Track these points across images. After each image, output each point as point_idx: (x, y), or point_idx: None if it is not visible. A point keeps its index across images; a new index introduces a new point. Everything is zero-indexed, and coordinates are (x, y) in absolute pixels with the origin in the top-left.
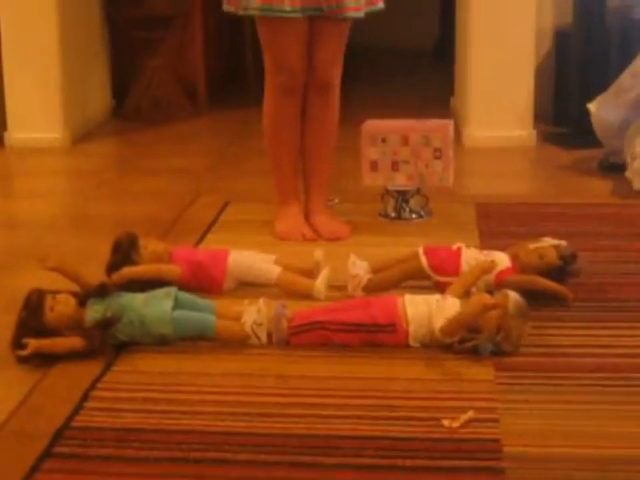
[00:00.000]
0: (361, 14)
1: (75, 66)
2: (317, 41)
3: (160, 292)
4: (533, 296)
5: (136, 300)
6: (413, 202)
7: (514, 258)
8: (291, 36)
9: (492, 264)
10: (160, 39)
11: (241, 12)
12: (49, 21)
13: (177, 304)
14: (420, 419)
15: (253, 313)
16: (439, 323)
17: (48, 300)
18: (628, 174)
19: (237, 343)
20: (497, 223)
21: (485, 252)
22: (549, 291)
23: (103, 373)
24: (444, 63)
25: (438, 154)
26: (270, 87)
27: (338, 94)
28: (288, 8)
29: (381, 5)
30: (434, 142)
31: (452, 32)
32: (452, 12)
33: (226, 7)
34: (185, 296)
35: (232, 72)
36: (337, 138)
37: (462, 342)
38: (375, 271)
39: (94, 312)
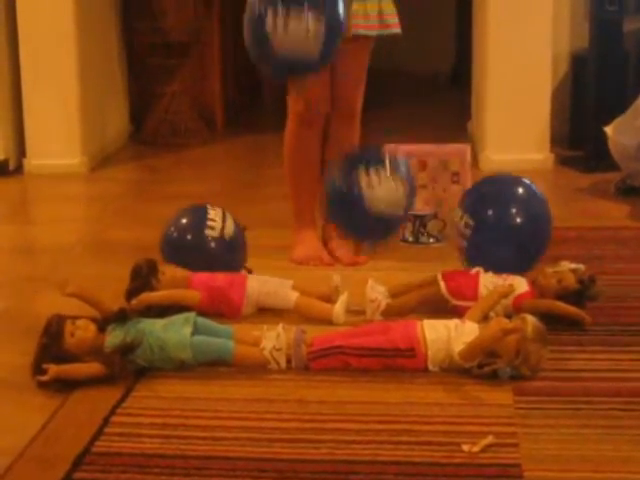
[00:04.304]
0: (372, 33)
1: (93, 92)
2: (337, 67)
3: (179, 317)
4: (552, 320)
5: (155, 325)
6: (431, 226)
7: (532, 282)
8: None
9: (510, 288)
10: (178, 65)
11: None
12: (68, 48)
13: (196, 329)
14: (440, 444)
15: (272, 338)
16: (458, 347)
17: (68, 326)
18: None
19: (256, 368)
20: None
21: (503, 276)
22: (567, 315)
23: (123, 399)
24: (461, 88)
25: (456, 178)
26: (291, 116)
27: (359, 121)
28: None
29: (397, 30)
30: (452, 166)
31: (469, 56)
32: (468, 36)
33: None
34: (204, 321)
35: (249, 98)
36: None
37: (481, 367)
38: (393, 296)
39: (114, 338)
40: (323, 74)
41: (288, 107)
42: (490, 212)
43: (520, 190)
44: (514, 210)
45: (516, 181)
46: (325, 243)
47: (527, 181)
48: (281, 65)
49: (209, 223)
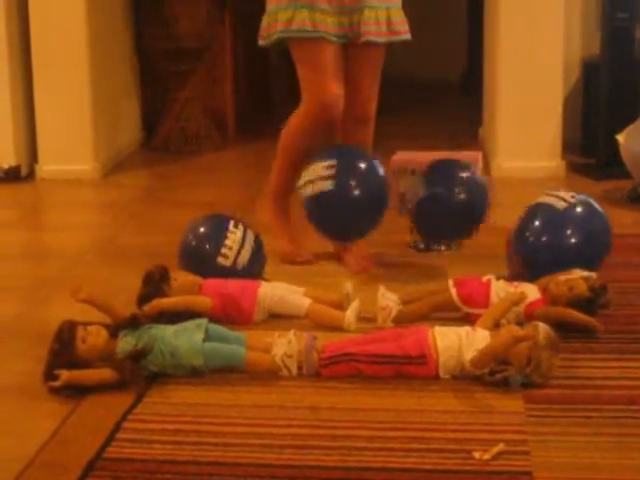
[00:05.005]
0: (380, 40)
1: (105, 98)
2: (350, 73)
3: (191, 324)
4: (563, 328)
5: (167, 332)
6: None
7: (544, 290)
8: (322, 59)
9: (522, 296)
10: (189, 72)
11: (280, 34)
12: (80, 54)
13: (208, 336)
14: (451, 451)
15: (283, 345)
16: (469, 355)
17: (80, 332)
18: None
19: (267, 375)
20: None
21: (515, 284)
22: (579, 323)
23: (134, 404)
24: (472, 95)
25: None
26: (303, 112)
27: (374, 125)
28: (310, 28)
29: (407, 36)
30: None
31: (480, 64)
32: (480, 44)
33: (260, 42)
34: (216, 328)
35: (261, 104)
36: None
37: (492, 374)
38: (405, 303)
39: (125, 344)
40: (331, 74)
41: (301, 102)
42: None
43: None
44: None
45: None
46: (338, 250)
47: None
48: None
49: (223, 251)
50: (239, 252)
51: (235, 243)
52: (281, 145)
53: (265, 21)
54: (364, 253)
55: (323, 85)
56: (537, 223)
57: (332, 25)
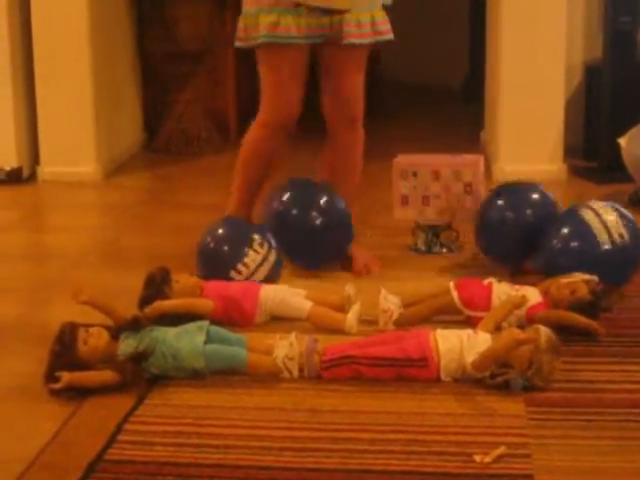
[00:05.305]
0: (364, 41)
1: (107, 100)
2: (334, 70)
3: (192, 326)
4: (564, 331)
5: (168, 334)
6: (444, 236)
7: (545, 293)
8: (294, 65)
9: (523, 299)
10: (191, 74)
11: (252, 43)
12: (82, 56)
13: (209, 338)
14: (452, 454)
15: (285, 347)
16: (471, 358)
17: (81, 333)
18: None
19: (269, 377)
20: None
21: (516, 287)
22: (580, 326)
23: (136, 406)
24: (474, 99)
25: (469, 189)
26: (261, 121)
27: (362, 125)
28: (295, 34)
29: (389, 36)
30: (465, 177)
31: (482, 68)
32: (482, 49)
33: (237, 43)
34: (217, 330)
35: None
36: (369, 172)
37: (493, 377)
38: (406, 305)
39: (127, 346)
40: (302, 79)
41: (258, 112)
42: None
43: None
44: None
45: None
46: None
47: None
48: None
49: (239, 267)
50: (255, 272)
51: (254, 263)
52: (241, 160)
53: (242, 22)
54: (366, 254)
55: (291, 90)
56: (572, 245)
57: (309, 26)
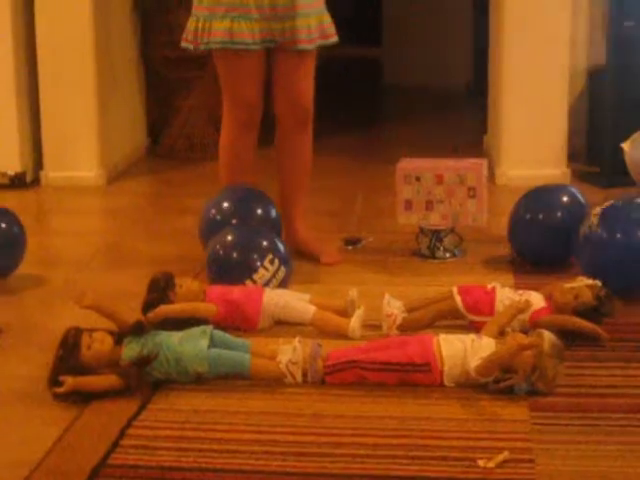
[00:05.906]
0: (312, 47)
1: (111, 105)
2: (286, 74)
3: (196, 330)
4: (568, 336)
5: (172, 338)
6: (447, 241)
7: (549, 298)
8: (251, 69)
9: (527, 304)
10: (195, 79)
11: (202, 47)
12: (86, 61)
13: (213, 342)
14: (455, 459)
15: (288, 352)
16: (474, 363)
17: (85, 338)
18: None
19: (272, 382)
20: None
21: (520, 292)
22: (584, 331)
23: (139, 411)
24: (477, 103)
25: (472, 193)
26: (228, 121)
27: (312, 128)
28: (249, 40)
29: (334, 39)
30: (468, 181)
31: (485, 72)
32: (485, 52)
33: (184, 44)
34: (220, 334)
35: (264, 111)
36: (372, 177)
37: (497, 382)
38: (410, 310)
39: (130, 350)
40: (260, 79)
41: (223, 114)
42: None
43: None
44: None
45: None
46: (298, 247)
47: None
48: None
49: (254, 276)
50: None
51: (261, 280)
52: (221, 165)
53: (192, 25)
54: (333, 247)
55: (249, 86)
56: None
57: (262, 31)
